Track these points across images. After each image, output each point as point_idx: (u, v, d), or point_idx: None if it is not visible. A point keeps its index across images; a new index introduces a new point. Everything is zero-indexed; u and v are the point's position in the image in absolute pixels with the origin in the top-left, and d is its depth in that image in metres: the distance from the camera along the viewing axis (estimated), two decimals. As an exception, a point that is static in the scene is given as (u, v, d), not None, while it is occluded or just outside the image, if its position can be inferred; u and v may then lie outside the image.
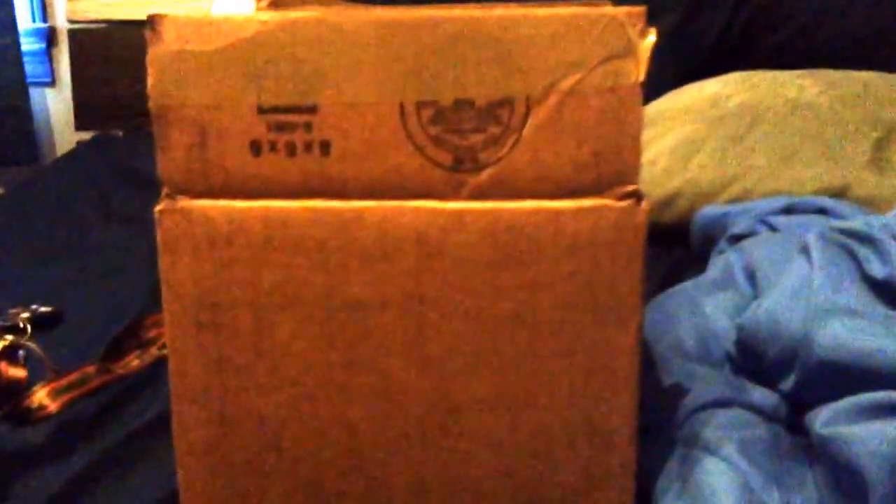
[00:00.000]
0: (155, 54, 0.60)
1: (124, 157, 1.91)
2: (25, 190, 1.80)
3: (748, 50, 1.58)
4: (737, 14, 1.60)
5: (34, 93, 2.20)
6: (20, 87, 2.13)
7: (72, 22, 2.20)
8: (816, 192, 1.18)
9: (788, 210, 1.09)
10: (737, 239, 1.05)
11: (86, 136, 2.18)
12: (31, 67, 2.20)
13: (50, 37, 2.26)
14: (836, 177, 1.19)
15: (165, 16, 0.60)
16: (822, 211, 1.07)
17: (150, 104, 0.61)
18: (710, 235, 1.13)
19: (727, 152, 1.26)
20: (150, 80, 0.61)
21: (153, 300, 1.13)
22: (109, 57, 2.18)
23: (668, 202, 1.25)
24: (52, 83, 2.29)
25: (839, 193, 1.17)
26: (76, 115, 2.22)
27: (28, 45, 2.21)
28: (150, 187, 1.70)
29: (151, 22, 0.60)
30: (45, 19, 2.25)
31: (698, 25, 1.59)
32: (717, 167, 1.25)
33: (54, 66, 2.27)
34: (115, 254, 1.39)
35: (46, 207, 1.65)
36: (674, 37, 1.49)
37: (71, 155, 2.04)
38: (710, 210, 1.17)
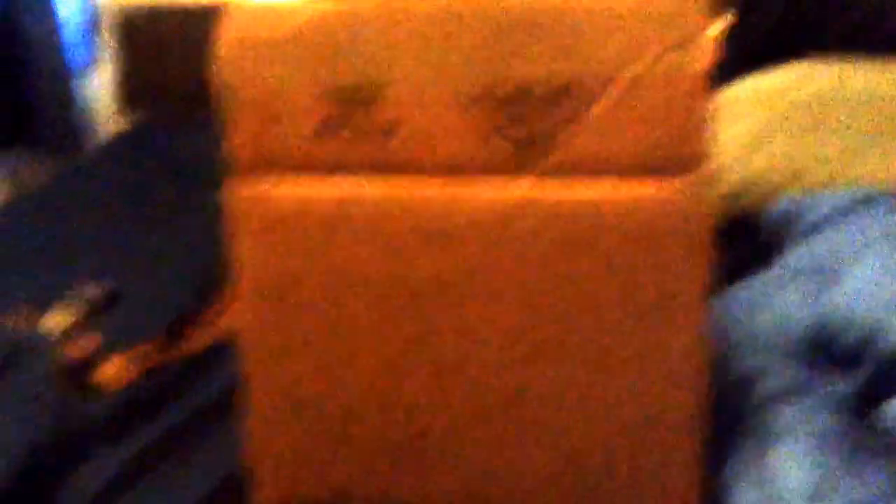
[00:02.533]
0: (223, 40, 0.65)
1: (169, 142, 1.97)
2: (72, 175, 1.87)
3: (814, 38, 1.58)
4: (796, 3, 1.60)
5: (76, 78, 2.24)
6: (63, 71, 2.18)
7: (115, 5, 2.25)
8: (890, 184, 1.18)
9: (862, 201, 1.10)
10: (811, 230, 1.06)
11: (129, 121, 2.23)
12: (73, 52, 2.25)
13: (93, 20, 2.31)
14: (911, 168, 1.20)
15: (233, 3, 0.65)
16: (896, 202, 1.09)
17: (220, 89, 0.66)
18: (783, 227, 1.15)
19: (798, 143, 1.27)
20: (218, 66, 0.66)
21: (211, 281, 1.18)
22: (153, 41, 2.22)
23: (735, 195, 1.27)
24: (96, 68, 2.33)
25: (915, 185, 1.18)
26: (119, 100, 2.27)
27: (71, 29, 2.26)
28: (197, 171, 1.76)
29: (220, 8, 0.65)
30: (88, 2, 2.31)
31: (762, 12, 1.59)
32: (788, 158, 1.26)
33: (97, 50, 2.32)
34: (166, 237, 1.44)
35: (94, 192, 1.71)
36: (737, 24, 1.49)
37: (115, 140, 2.10)
38: (783, 201, 1.18)
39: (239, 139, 0.67)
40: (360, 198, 0.66)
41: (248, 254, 0.68)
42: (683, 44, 0.61)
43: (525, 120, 0.63)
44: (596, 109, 0.63)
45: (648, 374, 0.67)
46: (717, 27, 0.60)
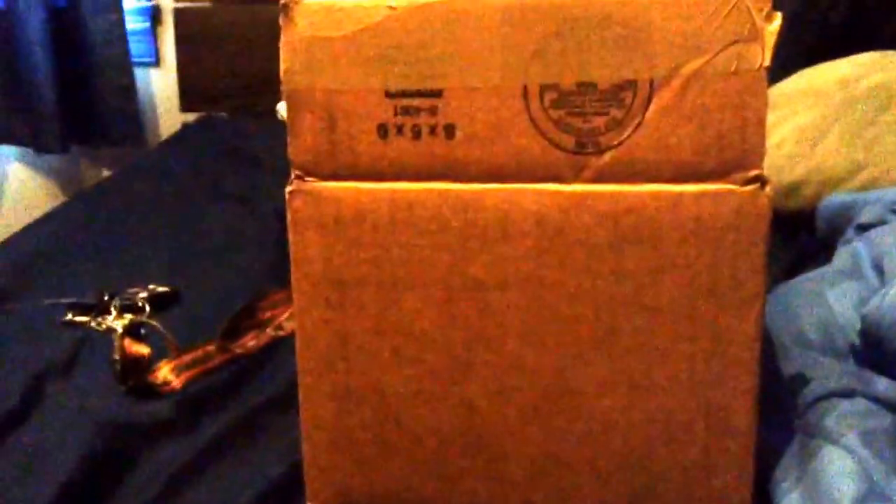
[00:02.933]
0: (288, 40, 0.66)
1: (230, 138, 2.00)
2: (134, 171, 1.90)
3: (878, 30, 1.56)
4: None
5: (139, 72, 2.28)
6: (125, 66, 2.21)
7: (177, 0, 2.28)
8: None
9: (917, 200, 1.09)
10: (865, 228, 1.06)
11: (190, 116, 2.27)
12: (135, 47, 2.28)
13: (155, 15, 2.35)
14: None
15: (298, 2, 0.65)
16: (957, 200, 1.07)
17: (283, 88, 0.67)
18: (837, 224, 1.14)
19: (856, 137, 1.26)
20: (282, 65, 0.67)
21: (267, 280, 1.21)
22: (214, 36, 2.26)
23: (793, 188, 1.27)
24: (157, 63, 2.37)
25: (976, 182, 1.17)
26: (181, 95, 2.30)
27: (133, 23, 2.29)
28: (257, 168, 1.80)
29: (285, 8, 0.66)
30: (150, -2, 2.35)
31: (823, 6, 1.58)
32: (845, 153, 1.25)
33: (159, 45, 2.36)
34: (227, 234, 1.47)
35: (155, 189, 1.74)
36: (798, 17, 1.49)
37: (178, 136, 2.14)
38: (837, 198, 1.18)
39: (302, 138, 0.67)
40: (418, 196, 0.67)
41: (307, 252, 0.69)
42: (745, 38, 0.61)
43: (588, 113, 0.63)
44: (658, 103, 0.63)
45: (709, 367, 0.67)
46: (777, 21, 0.60)
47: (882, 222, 1.05)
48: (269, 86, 2.09)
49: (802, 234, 1.23)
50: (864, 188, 1.21)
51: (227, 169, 1.82)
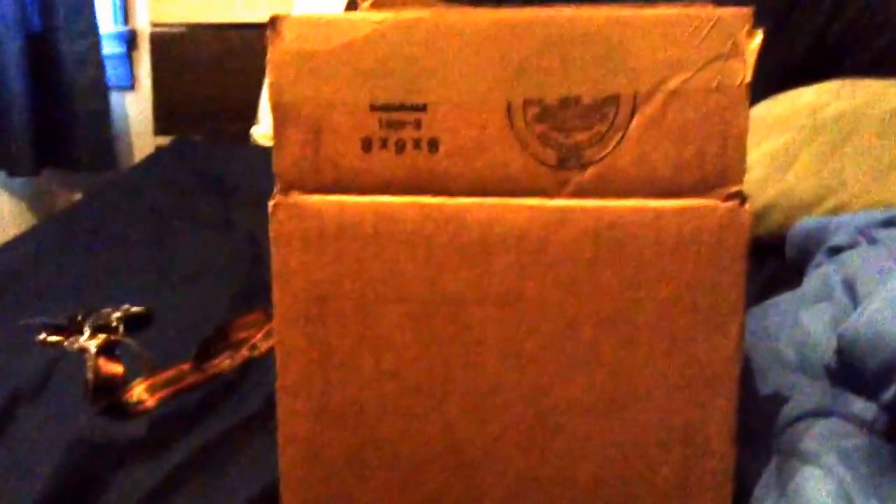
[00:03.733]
0: (274, 54, 0.65)
1: (204, 162, 1.98)
2: (106, 194, 1.87)
3: (844, 58, 1.58)
4: (832, 21, 1.60)
5: (114, 96, 2.26)
6: (101, 91, 2.20)
7: (153, 25, 2.27)
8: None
9: (888, 223, 1.09)
10: (835, 251, 1.06)
11: (164, 140, 2.25)
12: (111, 71, 2.27)
13: (131, 40, 2.34)
14: (938, 189, 1.20)
15: (286, 16, 0.65)
16: (924, 224, 1.08)
17: (269, 102, 0.66)
18: (807, 248, 1.14)
19: (824, 163, 1.27)
20: (269, 79, 0.66)
21: (241, 302, 1.19)
22: (189, 61, 2.25)
23: (762, 213, 1.27)
24: (132, 87, 2.36)
25: (941, 207, 1.18)
26: (155, 120, 2.29)
27: (109, 48, 2.28)
28: (230, 192, 1.77)
29: (272, 22, 0.65)
30: (126, 22, 2.33)
31: (792, 32, 1.59)
32: (814, 178, 1.26)
33: (134, 69, 2.35)
34: (199, 258, 1.45)
35: (127, 211, 1.71)
36: (767, 44, 1.50)
37: (151, 159, 2.12)
38: (806, 222, 1.18)
39: (286, 151, 0.66)
40: (401, 210, 0.66)
41: (288, 266, 0.68)
42: (727, 55, 0.61)
43: (571, 128, 0.63)
44: (640, 118, 0.62)
45: (688, 386, 0.66)
46: (759, 38, 0.60)
47: (852, 246, 1.05)
48: (244, 110, 2.10)
49: (771, 259, 1.23)
50: (832, 213, 1.21)
51: (199, 192, 1.80)
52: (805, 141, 1.29)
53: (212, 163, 1.96)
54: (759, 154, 1.31)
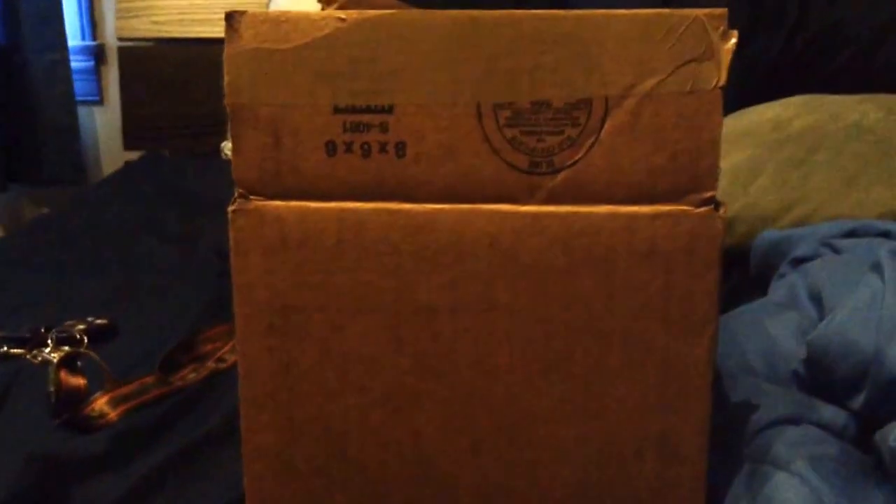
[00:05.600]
0: (232, 52, 0.61)
1: (172, 177, 1.94)
2: (74, 207, 1.83)
3: (806, 74, 1.58)
4: (793, 38, 1.59)
5: (82, 110, 2.22)
6: (69, 105, 2.16)
7: (121, 40, 2.23)
8: (879, 217, 1.17)
9: (851, 234, 1.08)
10: (799, 262, 1.04)
11: (133, 155, 2.21)
12: (79, 85, 2.23)
13: (99, 54, 2.29)
14: (899, 201, 1.19)
15: (244, 12, 0.61)
16: (886, 234, 1.07)
17: (226, 102, 0.62)
18: (772, 259, 1.13)
19: (788, 176, 1.25)
20: (226, 79, 0.62)
21: (206, 315, 1.15)
22: (158, 76, 2.21)
23: (728, 226, 1.25)
24: (101, 101, 2.31)
25: (902, 218, 1.17)
26: (124, 134, 2.25)
27: (77, 62, 2.24)
28: (198, 207, 1.74)
29: (229, 18, 0.61)
30: (94, 37, 2.29)
31: (754, 49, 1.59)
32: (778, 191, 1.25)
33: (103, 83, 2.30)
34: (167, 271, 1.41)
35: (95, 225, 1.67)
36: (732, 60, 1.49)
37: (119, 174, 2.07)
38: (771, 234, 1.17)
39: (245, 155, 0.62)
40: (367, 217, 0.62)
41: (249, 275, 0.64)
42: (700, 57, 0.58)
43: (543, 132, 0.60)
44: (612, 122, 0.59)
45: (661, 393, 0.64)
46: (733, 40, 0.57)
47: (815, 256, 1.04)
48: (213, 125, 2.06)
49: (736, 270, 1.21)
50: (795, 224, 1.20)
51: (168, 207, 1.76)
52: (769, 155, 1.28)
53: (181, 177, 1.92)
54: (725, 167, 1.28)
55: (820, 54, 1.57)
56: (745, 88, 1.42)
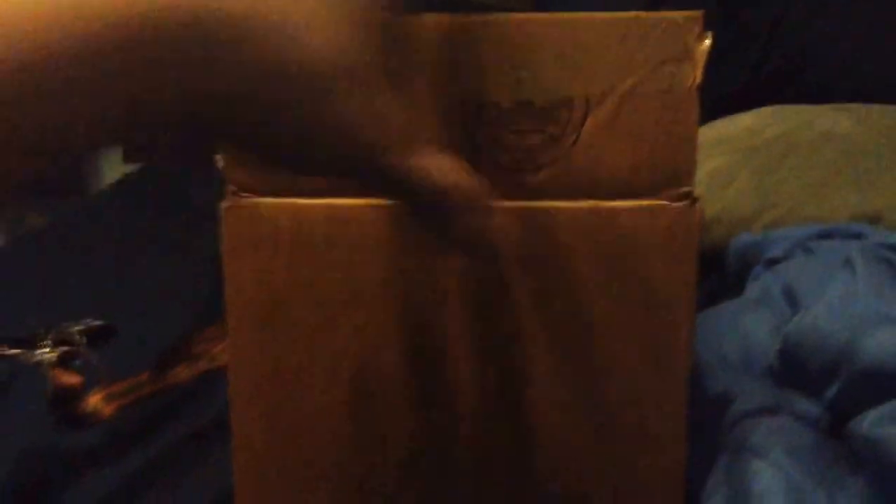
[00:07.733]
0: None
1: (172, 186, 1.93)
2: (72, 217, 1.82)
3: (779, 91, 1.58)
4: (767, 56, 1.60)
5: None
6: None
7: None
8: (850, 219, 1.17)
9: (824, 235, 1.08)
10: (773, 263, 1.05)
11: (133, 168, 2.19)
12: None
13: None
14: (869, 205, 1.19)
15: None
16: (857, 236, 1.07)
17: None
18: (746, 261, 1.13)
19: (761, 181, 1.26)
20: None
21: (204, 319, 1.14)
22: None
23: (705, 228, 1.25)
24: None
25: (872, 221, 1.17)
26: (124, 147, 2.23)
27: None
28: (195, 216, 1.72)
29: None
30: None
31: (727, 67, 1.59)
32: (752, 195, 1.25)
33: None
34: (164, 276, 1.41)
35: (93, 234, 1.66)
36: (706, 77, 1.49)
37: (118, 184, 2.06)
38: (745, 237, 1.17)
39: (234, 155, 0.62)
40: (354, 213, 0.62)
41: (240, 272, 0.63)
42: (676, 57, 0.58)
43: (525, 130, 0.59)
44: (593, 121, 0.59)
45: (640, 384, 0.63)
46: (708, 41, 0.57)
47: (789, 257, 1.04)
48: (209, 136, 2.04)
49: (712, 273, 1.21)
50: (769, 227, 1.21)
51: (166, 217, 1.75)
52: (744, 161, 1.29)
53: (179, 187, 1.91)
54: (702, 173, 1.28)
55: (790, 73, 1.58)
56: (720, 104, 1.42)
